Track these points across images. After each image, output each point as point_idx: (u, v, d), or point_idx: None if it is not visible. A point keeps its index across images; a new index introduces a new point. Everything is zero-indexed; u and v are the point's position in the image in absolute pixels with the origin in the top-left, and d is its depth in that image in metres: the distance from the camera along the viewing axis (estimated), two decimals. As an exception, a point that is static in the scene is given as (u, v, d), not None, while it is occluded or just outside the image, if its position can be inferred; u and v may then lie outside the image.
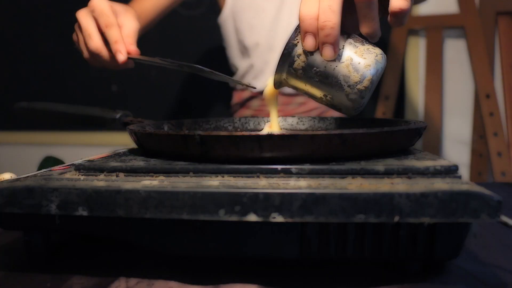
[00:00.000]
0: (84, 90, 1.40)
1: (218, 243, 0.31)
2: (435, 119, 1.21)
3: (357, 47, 0.37)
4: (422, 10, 1.23)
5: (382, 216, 0.28)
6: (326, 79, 0.37)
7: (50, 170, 0.38)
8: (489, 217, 0.27)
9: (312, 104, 0.89)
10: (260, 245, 0.31)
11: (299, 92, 0.41)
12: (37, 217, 0.33)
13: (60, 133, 1.43)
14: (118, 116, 0.55)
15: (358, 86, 0.37)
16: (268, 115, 0.88)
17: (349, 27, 0.38)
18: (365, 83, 0.37)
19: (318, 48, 0.37)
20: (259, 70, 0.88)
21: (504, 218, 0.29)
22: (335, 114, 0.91)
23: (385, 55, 0.38)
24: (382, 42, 1.20)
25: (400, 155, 0.37)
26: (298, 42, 0.38)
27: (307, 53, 0.37)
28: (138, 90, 1.37)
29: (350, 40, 0.38)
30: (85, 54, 0.60)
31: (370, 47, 0.38)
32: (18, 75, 1.45)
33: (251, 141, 0.32)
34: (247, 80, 0.90)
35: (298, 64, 0.38)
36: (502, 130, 1.13)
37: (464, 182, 0.30)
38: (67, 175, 0.35)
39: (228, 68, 0.97)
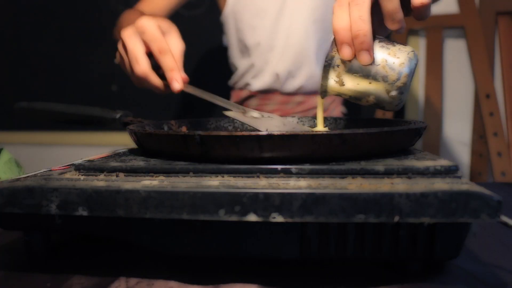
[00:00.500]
0: (84, 90, 1.40)
1: (218, 243, 0.31)
2: (435, 119, 1.21)
3: (389, 48, 0.41)
4: (422, 10, 1.23)
5: (382, 216, 0.28)
6: (367, 82, 0.41)
7: (50, 170, 0.38)
8: (489, 217, 0.27)
9: (311, 103, 0.89)
10: (260, 245, 0.31)
11: (344, 97, 0.44)
12: (37, 217, 0.32)
13: (60, 133, 1.43)
14: (118, 116, 0.55)
15: (397, 83, 0.40)
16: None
17: (375, 23, 0.41)
18: (403, 79, 0.40)
19: (355, 56, 0.40)
20: (259, 70, 0.88)
21: (504, 218, 0.29)
22: (334, 113, 0.91)
23: (415, 52, 0.42)
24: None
25: (400, 155, 0.37)
26: (335, 53, 0.41)
27: (345, 62, 0.41)
28: (138, 90, 1.36)
29: (381, 44, 0.41)
30: (131, 76, 0.57)
31: (401, 46, 0.41)
32: (18, 75, 1.45)
33: (251, 141, 0.32)
34: (247, 79, 0.90)
35: (339, 73, 0.42)
36: (502, 130, 1.13)
37: (464, 182, 0.30)
38: (67, 175, 0.35)
39: (228, 68, 0.97)
